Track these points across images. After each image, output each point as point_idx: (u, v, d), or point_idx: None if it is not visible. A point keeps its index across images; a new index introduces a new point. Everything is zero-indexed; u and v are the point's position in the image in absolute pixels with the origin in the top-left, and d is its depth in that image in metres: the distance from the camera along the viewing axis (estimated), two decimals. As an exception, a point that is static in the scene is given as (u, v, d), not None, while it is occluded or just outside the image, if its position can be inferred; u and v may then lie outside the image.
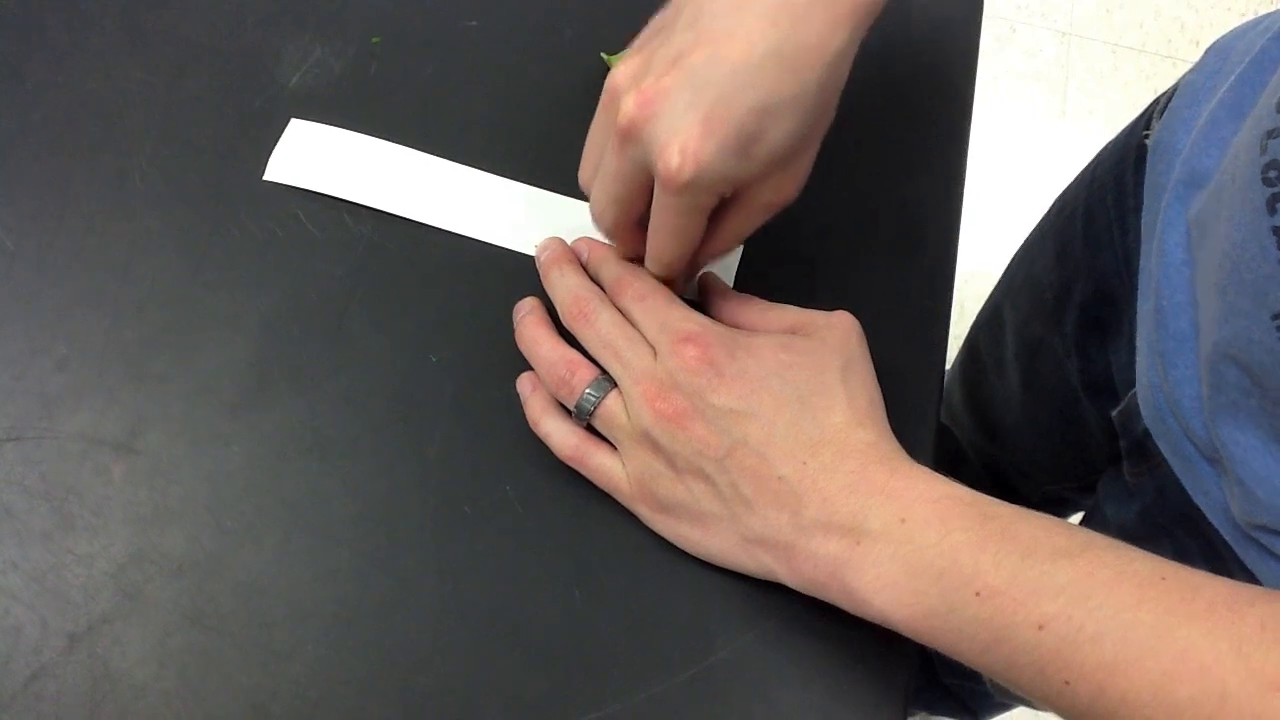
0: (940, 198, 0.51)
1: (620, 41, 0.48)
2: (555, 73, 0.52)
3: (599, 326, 0.42)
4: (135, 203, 0.48)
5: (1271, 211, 0.38)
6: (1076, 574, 0.33)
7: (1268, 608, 0.32)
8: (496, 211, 0.49)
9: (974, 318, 0.84)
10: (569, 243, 0.46)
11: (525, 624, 0.41)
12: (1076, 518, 0.73)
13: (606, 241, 0.45)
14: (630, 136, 0.38)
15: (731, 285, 0.47)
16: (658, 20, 0.42)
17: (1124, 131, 0.63)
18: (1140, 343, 0.51)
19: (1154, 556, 0.34)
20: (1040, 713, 0.83)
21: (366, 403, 0.45)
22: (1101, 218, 0.62)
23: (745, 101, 0.36)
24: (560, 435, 0.42)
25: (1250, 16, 0.59)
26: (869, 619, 0.37)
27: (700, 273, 0.46)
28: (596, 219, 0.42)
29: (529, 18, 0.54)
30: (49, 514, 0.42)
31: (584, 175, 0.43)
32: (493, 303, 0.46)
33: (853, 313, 0.42)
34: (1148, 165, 0.55)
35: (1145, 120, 0.59)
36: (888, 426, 0.40)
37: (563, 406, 0.43)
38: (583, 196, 0.48)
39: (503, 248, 0.48)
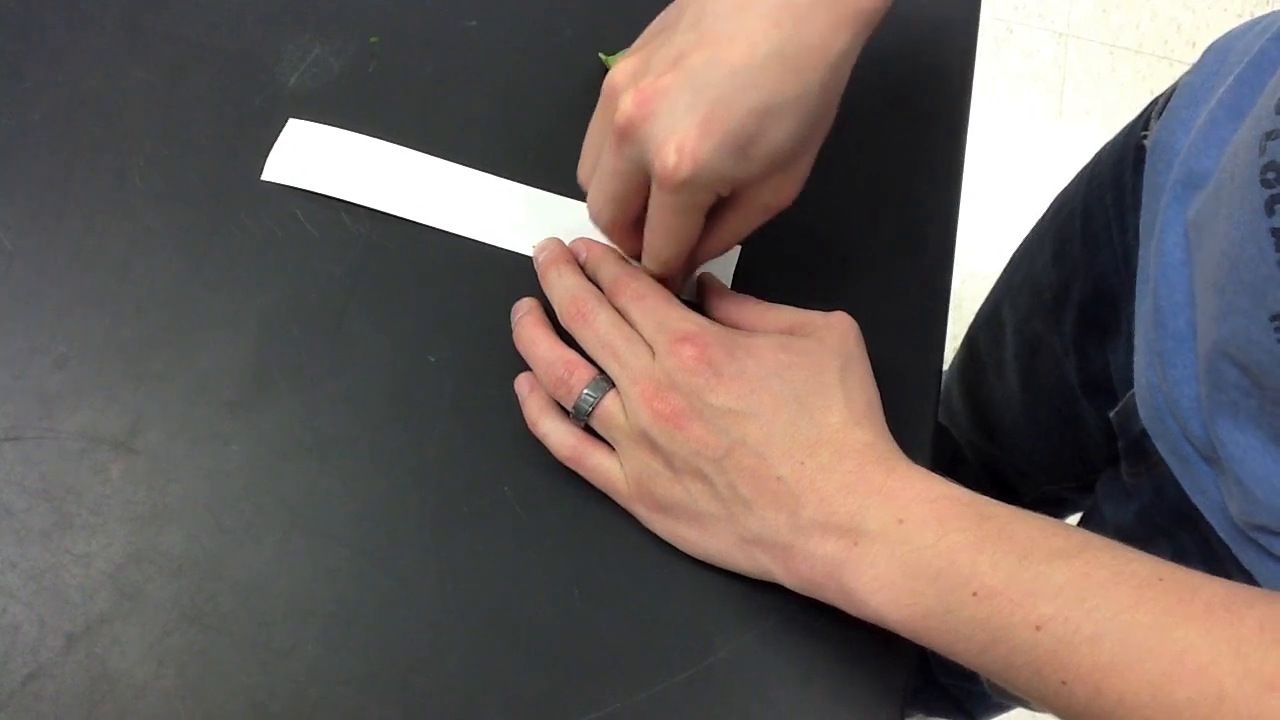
0: (939, 198, 0.51)
1: (620, 41, 0.48)
2: (554, 73, 0.52)
3: (597, 327, 0.42)
4: (135, 202, 0.48)
5: (1270, 213, 0.38)
6: (1074, 575, 0.33)
7: (1266, 609, 0.32)
8: (495, 212, 0.49)
9: (972, 318, 0.84)
10: (567, 243, 0.46)
11: (524, 624, 0.41)
12: (1075, 518, 0.73)
13: (604, 242, 0.45)
14: (628, 135, 0.38)
15: (729, 285, 0.47)
16: (659, 20, 0.42)
17: (1123, 131, 0.64)
18: (1138, 342, 0.51)
19: (1151, 557, 0.34)
20: (1038, 714, 0.83)
21: (366, 402, 0.45)
22: (1100, 217, 0.62)
23: (746, 102, 0.36)
24: (558, 435, 0.42)
25: (1247, 17, 0.59)
26: (866, 619, 0.37)
27: (698, 273, 0.46)
28: (594, 217, 0.42)
29: (528, 18, 0.54)
30: (48, 513, 0.42)
31: (582, 173, 0.43)
32: (491, 303, 0.46)
33: (851, 313, 0.42)
34: (1146, 165, 0.55)
35: (1144, 120, 0.59)
36: (885, 427, 0.40)
37: (561, 407, 0.43)
38: (581, 197, 0.48)
39: (501, 248, 0.48)
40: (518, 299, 0.45)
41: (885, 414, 0.41)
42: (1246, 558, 0.45)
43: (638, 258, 0.43)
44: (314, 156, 0.49)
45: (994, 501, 0.37)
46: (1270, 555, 0.43)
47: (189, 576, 0.41)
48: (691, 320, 0.41)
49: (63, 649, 0.40)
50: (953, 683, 0.94)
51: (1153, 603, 0.32)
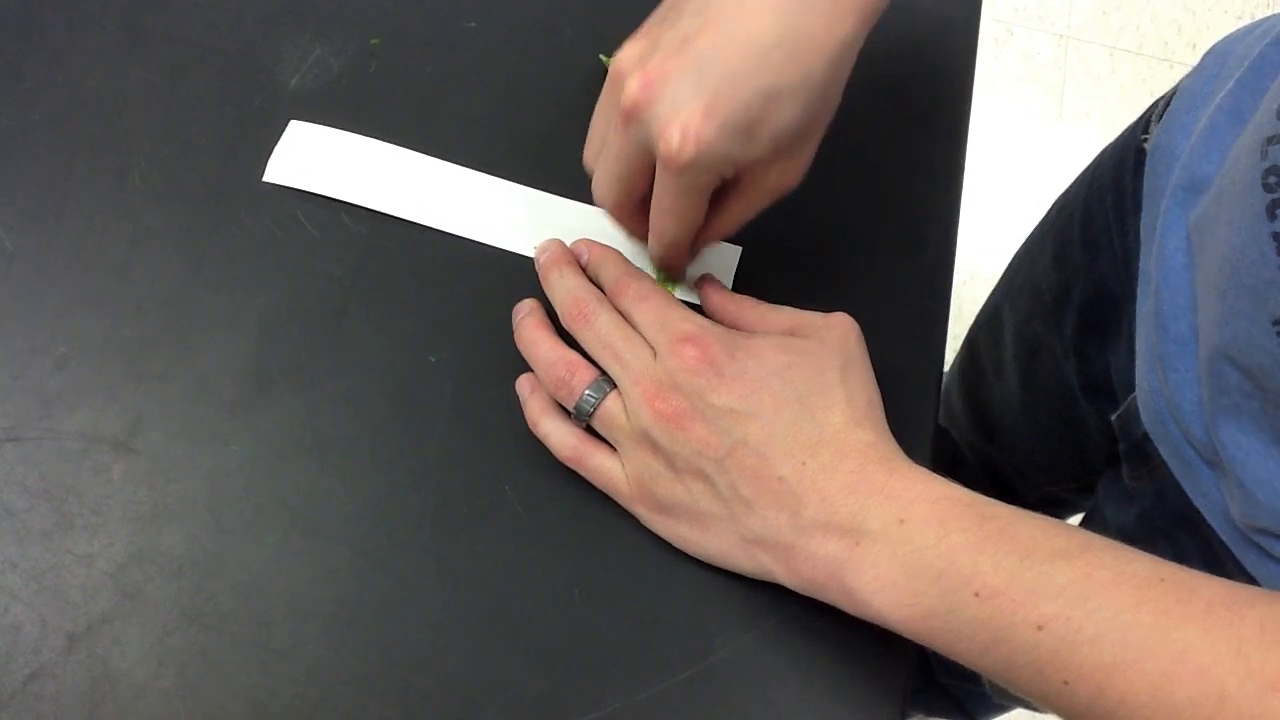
0: (939, 199, 0.51)
1: (619, 42, 0.48)
2: (554, 74, 0.52)
3: (598, 327, 0.42)
4: (135, 202, 0.48)
5: (1271, 217, 0.38)
6: (1075, 575, 0.33)
7: (1267, 609, 0.32)
8: (495, 213, 0.49)
9: (972, 319, 0.84)
10: (568, 244, 0.46)
11: (524, 624, 0.41)
12: (1076, 519, 0.73)
13: (606, 244, 0.45)
14: (633, 116, 0.38)
15: (730, 286, 0.47)
16: (665, 5, 0.43)
17: (1123, 135, 0.64)
18: (1140, 346, 0.51)
19: (1153, 557, 0.34)
20: (1039, 715, 0.83)
21: (366, 403, 0.45)
22: (1100, 219, 0.62)
23: (750, 86, 0.37)
24: (559, 436, 0.42)
25: (1247, 20, 0.59)
26: (868, 619, 0.37)
27: (700, 274, 0.46)
28: (599, 198, 0.43)
29: (528, 18, 0.54)
30: (48, 513, 0.42)
31: (588, 155, 0.44)
32: (492, 304, 0.46)
33: (852, 313, 0.42)
34: (1146, 169, 0.55)
35: (1144, 124, 0.59)
36: (886, 427, 0.40)
37: (562, 407, 0.43)
38: (582, 198, 0.48)
39: (501, 249, 0.48)
40: (518, 300, 0.45)
41: (886, 415, 0.41)
42: (1248, 560, 0.45)
43: (643, 239, 0.43)
44: (315, 158, 0.49)
45: (995, 502, 0.37)
46: (1272, 558, 0.43)
47: (189, 576, 0.41)
48: (693, 321, 0.41)
49: (64, 649, 0.40)
50: (953, 683, 0.94)
51: (1154, 603, 0.32)
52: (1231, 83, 0.48)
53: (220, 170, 0.49)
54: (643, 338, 0.41)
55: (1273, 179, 0.38)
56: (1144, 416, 0.51)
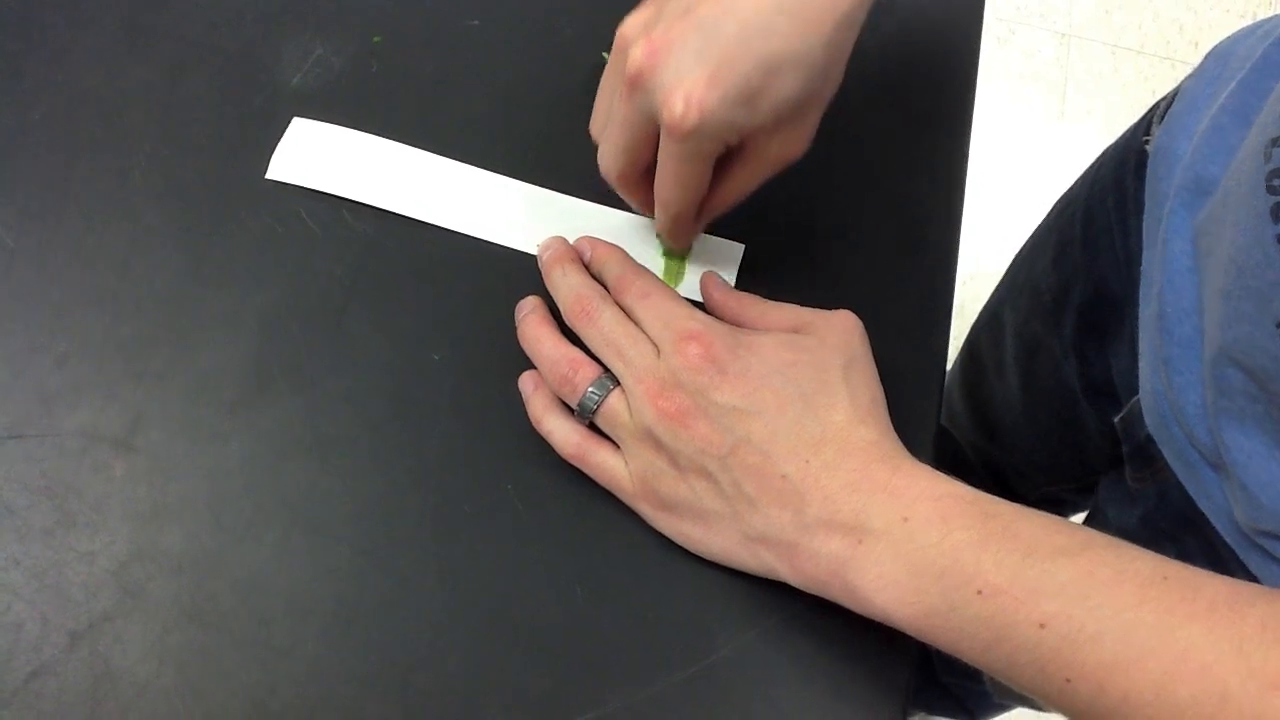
0: (941, 198, 0.51)
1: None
2: (556, 71, 0.52)
3: (601, 325, 0.42)
4: (135, 200, 0.48)
5: (1275, 219, 0.38)
6: (1077, 573, 0.33)
7: (1269, 607, 0.32)
8: (498, 210, 0.49)
9: (974, 319, 0.84)
10: (571, 241, 0.46)
11: (526, 622, 0.41)
12: (1076, 519, 0.73)
13: (609, 241, 0.45)
14: (638, 84, 0.38)
15: (734, 284, 0.47)
16: None
17: (1124, 135, 0.63)
18: (1143, 348, 0.51)
19: (1155, 555, 0.34)
20: (1041, 714, 0.83)
21: (366, 401, 0.44)
22: (1101, 220, 0.61)
23: (753, 55, 0.37)
24: (562, 433, 0.42)
25: (1249, 19, 0.59)
26: (871, 617, 0.37)
27: (703, 272, 0.46)
28: (604, 169, 0.43)
29: (530, 16, 0.54)
30: (50, 511, 0.42)
31: (594, 126, 0.44)
32: (494, 301, 0.46)
33: (854, 312, 0.42)
34: (1148, 171, 0.55)
35: (1145, 125, 0.59)
36: (890, 425, 0.40)
37: (565, 405, 0.43)
38: (585, 196, 0.48)
39: (504, 246, 0.48)
40: (520, 297, 0.45)
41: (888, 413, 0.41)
42: (1252, 562, 0.45)
43: (648, 210, 0.44)
44: (318, 155, 0.49)
45: (998, 499, 0.37)
46: (1276, 560, 0.43)
47: (189, 575, 0.41)
48: (696, 318, 0.41)
49: (66, 646, 0.40)
50: (955, 682, 0.94)
51: (1156, 601, 0.32)
52: (1234, 84, 0.48)
53: (220, 169, 0.49)
54: (646, 335, 0.41)
55: (1277, 181, 0.38)
56: (1147, 419, 0.51)
